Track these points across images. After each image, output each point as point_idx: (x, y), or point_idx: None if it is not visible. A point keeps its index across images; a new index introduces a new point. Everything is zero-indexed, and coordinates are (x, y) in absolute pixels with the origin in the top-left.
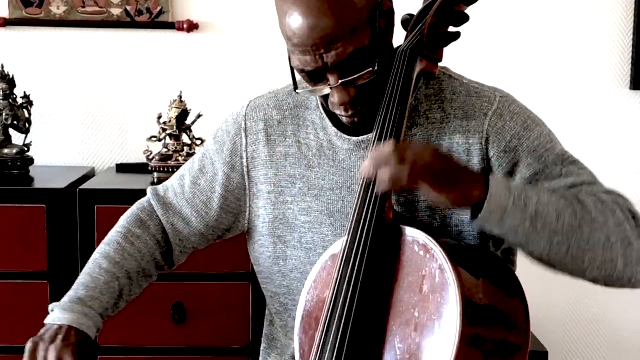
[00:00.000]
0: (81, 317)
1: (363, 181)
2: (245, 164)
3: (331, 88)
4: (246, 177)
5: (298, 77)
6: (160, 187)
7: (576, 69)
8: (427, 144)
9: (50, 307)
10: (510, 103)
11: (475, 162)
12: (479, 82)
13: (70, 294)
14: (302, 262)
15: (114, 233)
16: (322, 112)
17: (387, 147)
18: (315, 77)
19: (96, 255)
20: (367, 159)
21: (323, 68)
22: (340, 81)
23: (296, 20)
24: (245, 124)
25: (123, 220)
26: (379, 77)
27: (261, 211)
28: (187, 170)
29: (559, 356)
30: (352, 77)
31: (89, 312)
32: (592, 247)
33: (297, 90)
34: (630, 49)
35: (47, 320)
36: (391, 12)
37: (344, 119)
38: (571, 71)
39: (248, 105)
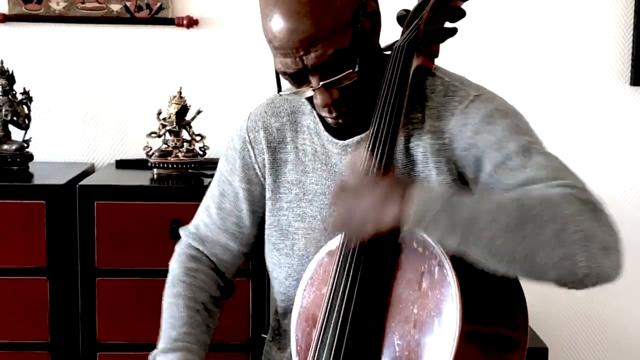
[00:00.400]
0: (185, 353)
1: None
2: (259, 173)
3: (313, 90)
4: (265, 185)
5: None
6: (190, 226)
7: (576, 64)
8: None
9: (151, 356)
10: (482, 100)
11: (443, 163)
12: (463, 79)
13: (163, 339)
14: (295, 269)
15: (173, 276)
16: (315, 116)
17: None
18: (297, 79)
19: (167, 300)
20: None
21: (304, 70)
22: (321, 83)
23: (276, 23)
24: (249, 137)
25: (174, 263)
26: (363, 78)
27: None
28: (210, 200)
29: (559, 352)
30: (333, 79)
31: (189, 346)
32: (542, 244)
33: (281, 93)
34: (631, 44)
35: None
36: (376, 14)
37: (329, 121)
38: (571, 67)
39: (248, 117)
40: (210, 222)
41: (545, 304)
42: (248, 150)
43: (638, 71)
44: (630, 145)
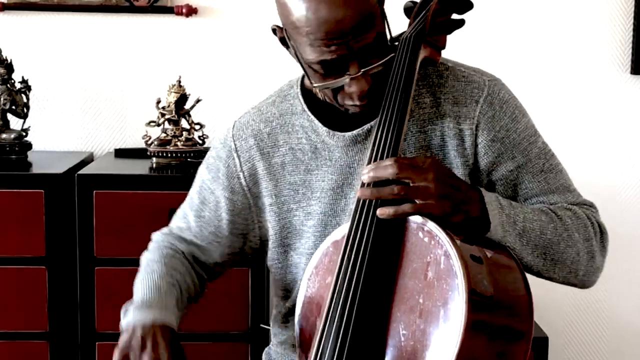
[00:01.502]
0: (162, 311)
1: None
2: (244, 183)
3: (351, 78)
4: (249, 195)
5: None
6: (164, 229)
7: (576, 53)
8: (429, 165)
9: (123, 308)
10: (499, 88)
11: (466, 147)
12: (463, 65)
13: (137, 298)
14: (303, 269)
15: (148, 257)
16: (309, 114)
17: (388, 168)
18: (334, 68)
19: (141, 275)
20: (365, 179)
21: (347, 55)
22: (362, 70)
23: (321, 11)
24: (235, 145)
25: (151, 252)
26: (388, 65)
27: (268, 224)
28: (188, 207)
29: (559, 341)
30: (376, 64)
31: (167, 304)
32: (564, 261)
33: (315, 85)
34: (631, 33)
35: (125, 323)
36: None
37: (353, 109)
38: (571, 56)
39: (233, 126)
40: (186, 227)
41: (544, 293)
42: (233, 159)
43: (638, 60)
44: (630, 134)
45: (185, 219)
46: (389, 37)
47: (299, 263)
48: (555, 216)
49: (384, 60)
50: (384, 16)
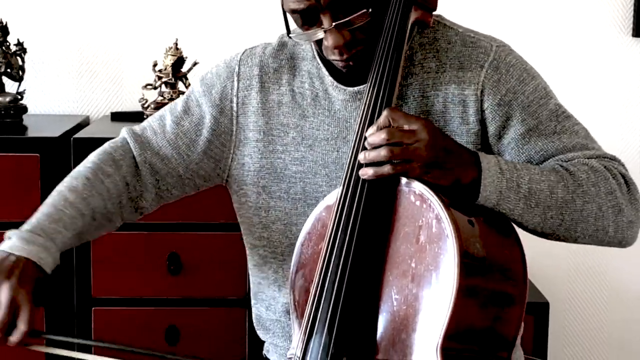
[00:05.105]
0: (42, 250)
1: (357, 133)
2: (235, 108)
3: (325, 31)
4: (234, 122)
5: (291, 24)
6: (136, 127)
7: (577, 16)
8: (422, 126)
9: (8, 233)
10: (507, 54)
11: (471, 113)
12: (474, 31)
13: (32, 221)
14: (287, 213)
15: (83, 168)
16: (319, 62)
17: (380, 132)
18: (308, 19)
19: (62, 187)
20: (368, 143)
21: (315, 6)
22: (334, 23)
23: None
24: (239, 69)
25: (94, 157)
26: (375, 20)
27: (246, 159)
28: (168, 111)
29: (560, 307)
30: (346, 19)
31: (50, 245)
32: (585, 218)
33: (290, 35)
34: None
35: (3, 247)
36: None
37: (339, 64)
38: (572, 18)
39: (243, 52)
40: (160, 131)
41: (545, 258)
42: (232, 81)
43: None
44: (632, 97)
45: (162, 122)
46: None
47: (274, 207)
48: (566, 173)
49: (354, 15)
50: None
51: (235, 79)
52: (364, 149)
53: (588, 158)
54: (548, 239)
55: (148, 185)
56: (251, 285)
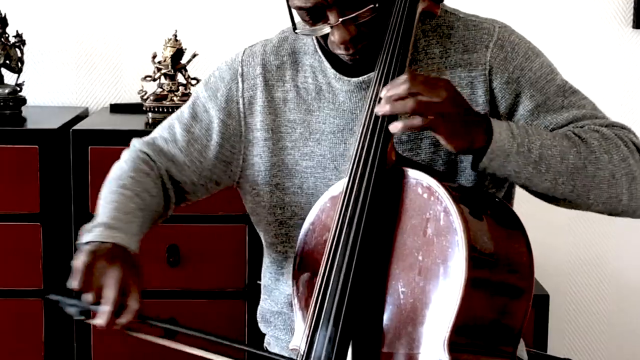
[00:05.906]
0: (128, 236)
1: (365, 122)
2: (242, 109)
3: (331, 27)
4: (242, 124)
5: (297, 18)
6: (146, 137)
7: (577, 7)
8: (446, 82)
9: (87, 227)
10: (510, 33)
11: (480, 95)
12: (475, 15)
13: (105, 214)
14: (303, 208)
15: (122, 172)
16: (321, 55)
17: (402, 85)
18: (314, 15)
19: (112, 188)
20: (383, 97)
21: (322, 3)
22: (340, 19)
23: None
24: (242, 69)
25: (125, 163)
26: (381, 13)
27: (256, 159)
28: (176, 120)
29: (560, 299)
30: (353, 15)
31: (132, 233)
32: (597, 185)
33: (297, 31)
34: None
35: (88, 239)
36: None
37: (345, 58)
38: (572, 10)
39: (244, 52)
40: (172, 139)
41: (545, 250)
42: (237, 83)
43: None
44: (632, 89)
45: (171, 131)
46: None
47: (289, 203)
48: (578, 139)
49: (362, 10)
50: None
51: (239, 80)
52: (371, 139)
53: (599, 126)
54: (560, 205)
55: (170, 189)
56: (264, 281)
